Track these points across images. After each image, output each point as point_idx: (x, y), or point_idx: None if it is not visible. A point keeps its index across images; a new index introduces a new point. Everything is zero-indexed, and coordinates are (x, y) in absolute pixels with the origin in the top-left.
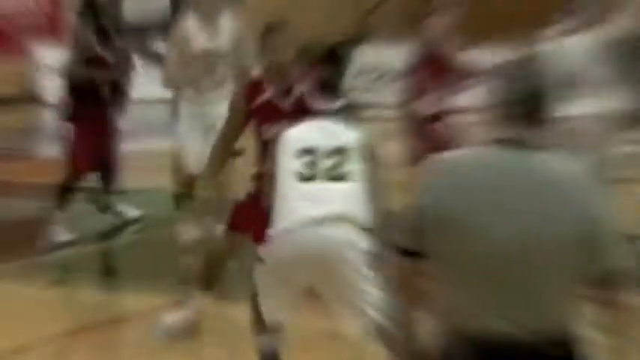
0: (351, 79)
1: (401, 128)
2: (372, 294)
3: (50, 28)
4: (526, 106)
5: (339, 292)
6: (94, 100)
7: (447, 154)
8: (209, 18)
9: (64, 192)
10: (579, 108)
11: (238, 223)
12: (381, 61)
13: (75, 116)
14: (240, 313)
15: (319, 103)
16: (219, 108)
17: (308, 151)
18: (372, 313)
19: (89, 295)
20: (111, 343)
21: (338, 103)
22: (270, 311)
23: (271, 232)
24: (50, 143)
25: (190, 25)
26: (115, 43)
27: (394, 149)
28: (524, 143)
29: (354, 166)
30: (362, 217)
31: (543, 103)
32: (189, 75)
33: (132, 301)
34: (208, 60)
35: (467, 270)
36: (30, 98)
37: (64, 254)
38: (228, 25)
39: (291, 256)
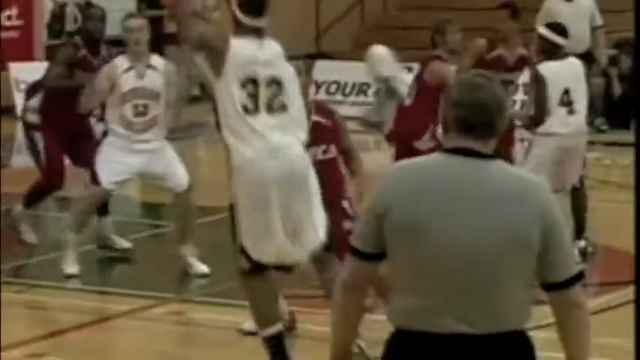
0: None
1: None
2: (321, 213)
3: (23, 43)
4: (481, 118)
5: (298, 212)
6: (70, 108)
7: (404, 162)
8: (140, 57)
9: (34, 198)
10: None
11: None
12: (338, 76)
13: (46, 126)
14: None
15: (248, 20)
16: (149, 145)
17: (250, 81)
18: (319, 234)
19: (64, 299)
20: (91, 345)
21: (263, 20)
22: (256, 251)
23: (233, 166)
24: (25, 153)
25: (120, 63)
26: (101, 51)
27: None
28: (479, 153)
29: (289, 94)
30: (302, 141)
31: (497, 116)
32: (119, 113)
33: (110, 304)
34: (137, 99)
35: (423, 271)
36: (5, 110)
37: (41, 259)
38: (160, 64)
39: (259, 184)
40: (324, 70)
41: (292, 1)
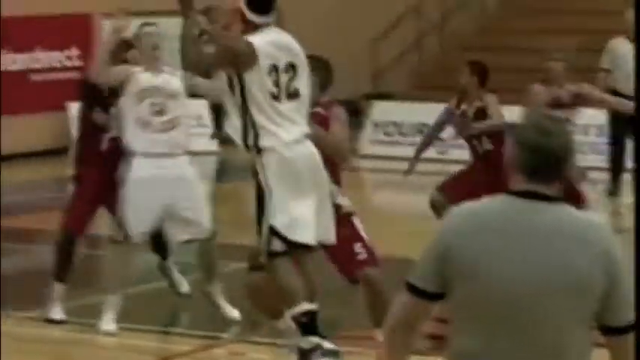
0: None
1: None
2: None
3: None
4: (547, 162)
5: (319, 202)
6: (98, 149)
7: (467, 203)
8: (154, 62)
9: (64, 254)
10: None
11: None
12: (395, 116)
13: (80, 171)
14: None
15: (257, 17)
16: (174, 169)
17: (273, 67)
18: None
19: (125, 339)
20: None
21: (272, 16)
22: (291, 231)
23: (264, 148)
24: None
25: (135, 68)
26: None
27: (411, 201)
28: (544, 195)
29: (301, 80)
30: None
31: (563, 161)
32: (135, 116)
33: (171, 344)
34: (153, 97)
35: (479, 311)
36: (64, 150)
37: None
38: (173, 72)
39: (295, 166)
40: (381, 110)
41: (349, 41)
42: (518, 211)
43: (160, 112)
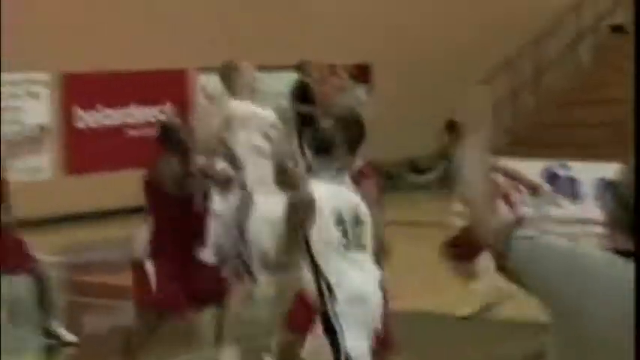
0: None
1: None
2: None
3: None
4: None
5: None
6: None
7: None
8: (250, 93)
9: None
10: None
11: (296, 324)
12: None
13: (159, 248)
14: None
15: (319, 163)
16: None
17: (341, 221)
18: None
19: None
20: None
21: (337, 160)
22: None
23: (337, 299)
24: None
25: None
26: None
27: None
28: None
29: (367, 234)
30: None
31: None
32: (245, 140)
33: None
34: (258, 121)
35: None
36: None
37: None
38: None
39: (360, 312)
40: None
41: (441, 97)
42: (620, 270)
43: (268, 138)
